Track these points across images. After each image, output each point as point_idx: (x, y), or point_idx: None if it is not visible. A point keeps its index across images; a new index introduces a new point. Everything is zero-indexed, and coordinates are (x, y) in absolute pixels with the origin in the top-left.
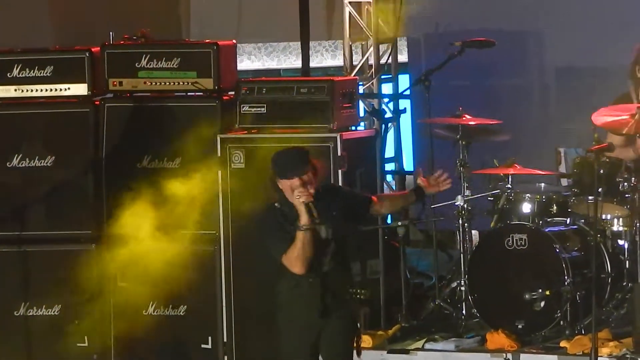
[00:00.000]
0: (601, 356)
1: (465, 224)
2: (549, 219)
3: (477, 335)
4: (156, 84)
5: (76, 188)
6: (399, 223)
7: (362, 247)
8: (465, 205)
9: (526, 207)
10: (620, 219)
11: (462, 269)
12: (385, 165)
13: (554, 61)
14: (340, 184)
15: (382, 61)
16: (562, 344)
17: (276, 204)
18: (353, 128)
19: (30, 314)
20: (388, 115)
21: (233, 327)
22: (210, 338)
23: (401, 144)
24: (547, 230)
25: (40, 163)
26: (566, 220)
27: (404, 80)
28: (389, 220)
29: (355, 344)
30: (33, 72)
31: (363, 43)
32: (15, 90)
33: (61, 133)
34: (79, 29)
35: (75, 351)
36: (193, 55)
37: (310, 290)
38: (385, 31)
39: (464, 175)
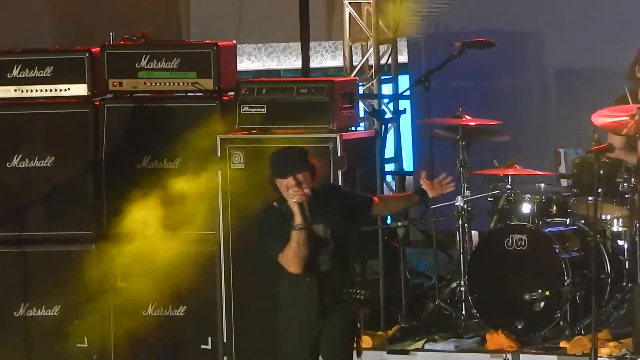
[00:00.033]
0: (601, 356)
1: (465, 225)
2: (548, 220)
3: (477, 335)
4: (156, 84)
5: (76, 188)
6: (399, 223)
7: (362, 248)
8: (465, 206)
9: (526, 208)
10: (620, 220)
11: (462, 269)
12: (385, 165)
13: (554, 62)
14: (340, 184)
15: (382, 62)
16: (562, 344)
17: (275, 204)
18: (353, 128)
19: (30, 314)
20: (388, 115)
21: (233, 327)
22: (210, 338)
23: (401, 145)
24: (546, 230)
25: (40, 163)
26: (566, 221)
27: (403, 81)
28: (388, 221)
29: (355, 345)
30: (33, 72)
31: (363, 44)
32: (15, 90)
33: (61, 133)
34: (78, 30)
35: (75, 352)
36: (193, 56)
37: (308, 290)
38: (385, 32)
39: (463, 176)
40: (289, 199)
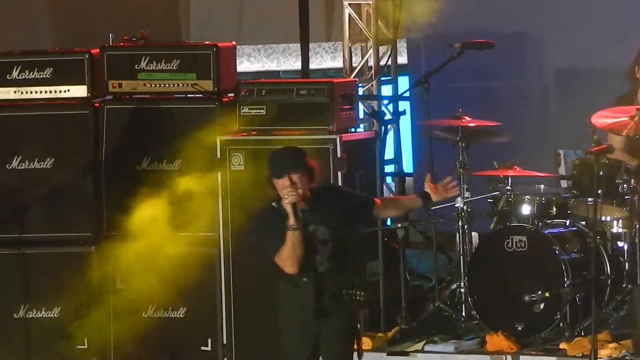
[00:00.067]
0: (601, 358)
1: (465, 226)
2: (548, 221)
3: (477, 337)
4: (156, 85)
5: (76, 190)
6: (399, 225)
7: (362, 249)
8: (464, 207)
9: (526, 209)
10: (620, 221)
11: (462, 270)
12: (385, 167)
13: (554, 63)
14: (340, 185)
15: (382, 63)
16: (562, 345)
17: (274, 204)
18: (353, 130)
19: (30, 316)
20: (388, 117)
21: (232, 329)
22: (209, 340)
23: (401, 146)
24: (546, 232)
25: (40, 165)
26: (566, 222)
27: (403, 82)
28: (388, 222)
29: (356, 346)
30: (32, 74)
31: (363, 45)
32: (15, 92)
33: (60, 135)
34: (78, 31)
35: (75, 353)
36: (193, 57)
37: (306, 291)
38: (384, 33)
39: (463, 177)
40: (284, 199)
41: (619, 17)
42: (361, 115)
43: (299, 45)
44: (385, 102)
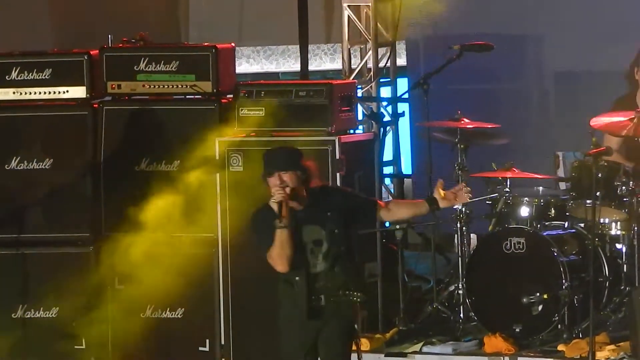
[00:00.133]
0: None
1: (464, 228)
2: (547, 223)
3: (475, 338)
4: (155, 87)
5: (74, 191)
6: (397, 226)
7: (360, 250)
8: (463, 209)
9: (524, 211)
10: (618, 223)
11: (460, 272)
12: (384, 168)
13: (553, 65)
14: (341, 186)
15: (381, 64)
16: (560, 347)
17: (269, 203)
18: (351, 131)
19: (28, 316)
20: (386, 118)
21: (231, 329)
22: (207, 341)
23: (399, 148)
24: (545, 233)
25: (39, 166)
26: (564, 224)
27: (402, 84)
28: (387, 223)
29: (355, 347)
30: (32, 74)
31: (362, 46)
32: (14, 92)
33: (59, 136)
34: (78, 32)
35: (73, 353)
36: (192, 58)
37: (299, 290)
38: (384, 34)
39: (462, 179)
40: (272, 197)
41: (618, 19)
42: (360, 117)
43: (298, 46)
44: (384, 103)
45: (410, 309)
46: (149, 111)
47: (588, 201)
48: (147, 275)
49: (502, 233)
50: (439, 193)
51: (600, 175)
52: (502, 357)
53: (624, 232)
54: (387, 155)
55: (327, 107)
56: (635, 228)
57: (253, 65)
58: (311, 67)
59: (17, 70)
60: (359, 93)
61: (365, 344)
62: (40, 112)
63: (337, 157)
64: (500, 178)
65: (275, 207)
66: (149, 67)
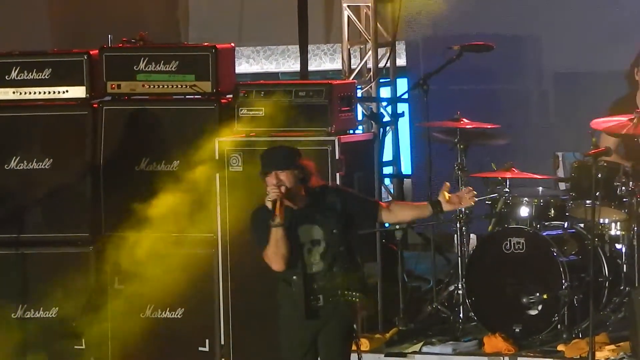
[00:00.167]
0: None
1: (463, 228)
2: (546, 223)
3: (475, 338)
4: (154, 87)
5: (74, 191)
6: (397, 226)
7: (359, 250)
8: (463, 209)
9: (524, 211)
10: (618, 223)
11: (460, 272)
12: (383, 168)
13: (553, 65)
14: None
15: (381, 65)
16: (560, 347)
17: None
18: (351, 131)
19: (28, 316)
20: (386, 118)
21: (230, 329)
22: (207, 341)
23: (399, 148)
24: (544, 234)
25: (38, 166)
26: (564, 224)
27: (402, 84)
28: (386, 224)
29: (355, 347)
30: (31, 74)
31: (361, 46)
32: (14, 92)
33: (59, 136)
34: (77, 32)
35: (73, 354)
36: (191, 58)
37: (296, 290)
38: (383, 34)
39: (461, 179)
40: (267, 195)
41: (618, 19)
42: (360, 117)
43: (297, 46)
44: (384, 104)
45: (410, 309)
46: (149, 111)
47: (588, 201)
48: (147, 275)
49: (501, 233)
50: (444, 196)
51: (600, 175)
52: (502, 357)
53: (623, 232)
54: (387, 155)
55: (327, 107)
56: (635, 228)
57: (253, 66)
58: (311, 67)
59: (17, 70)
60: (359, 93)
61: (364, 344)
62: (40, 112)
63: (337, 157)
64: (499, 178)
65: (269, 205)
66: (148, 67)
